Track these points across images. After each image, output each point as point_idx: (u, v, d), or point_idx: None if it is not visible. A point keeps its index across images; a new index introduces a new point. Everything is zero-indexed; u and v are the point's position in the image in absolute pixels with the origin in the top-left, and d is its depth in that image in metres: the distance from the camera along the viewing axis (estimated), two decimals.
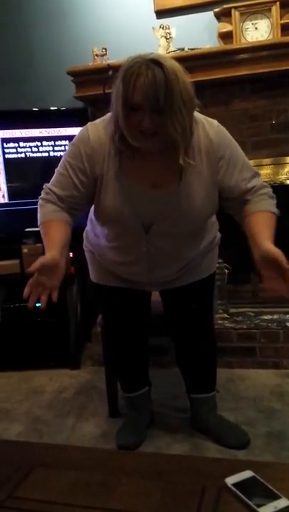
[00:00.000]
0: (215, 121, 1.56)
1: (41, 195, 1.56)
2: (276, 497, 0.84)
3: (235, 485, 0.88)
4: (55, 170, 1.58)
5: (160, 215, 1.53)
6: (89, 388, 2.43)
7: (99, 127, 1.52)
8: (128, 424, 1.99)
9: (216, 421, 1.93)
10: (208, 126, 1.51)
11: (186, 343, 1.92)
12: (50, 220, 1.50)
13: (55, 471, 0.96)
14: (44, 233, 1.50)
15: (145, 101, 1.30)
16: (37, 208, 1.55)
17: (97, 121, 1.56)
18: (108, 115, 1.51)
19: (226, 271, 2.67)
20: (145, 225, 1.55)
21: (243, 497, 0.85)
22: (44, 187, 1.57)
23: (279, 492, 0.85)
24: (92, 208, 1.63)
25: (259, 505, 0.82)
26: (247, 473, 0.90)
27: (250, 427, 1.94)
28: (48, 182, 1.58)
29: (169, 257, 1.65)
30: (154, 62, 1.30)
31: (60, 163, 1.58)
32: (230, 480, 0.89)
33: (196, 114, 1.48)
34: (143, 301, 1.84)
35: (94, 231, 1.72)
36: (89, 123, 1.57)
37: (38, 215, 1.55)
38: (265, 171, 2.72)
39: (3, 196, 2.83)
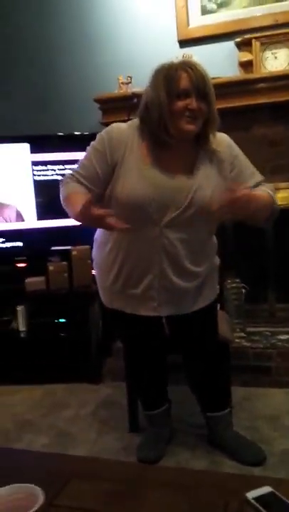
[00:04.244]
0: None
1: (65, 176, 1.75)
2: None
3: (255, 499, 0.96)
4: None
5: (174, 202, 1.66)
6: (110, 403, 2.52)
7: (122, 124, 1.77)
8: (149, 439, 2.07)
9: (233, 438, 2.00)
10: (221, 135, 1.77)
11: (194, 366, 2.00)
12: (75, 193, 1.68)
13: (90, 481, 1.05)
14: (69, 201, 1.66)
15: (194, 87, 1.58)
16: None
17: (119, 123, 1.78)
18: (131, 121, 1.76)
19: (243, 290, 2.76)
20: (160, 213, 1.66)
21: (264, 510, 0.93)
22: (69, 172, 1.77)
23: None
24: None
25: None
26: (266, 489, 0.99)
27: (266, 445, 2.01)
28: None
29: (180, 260, 1.71)
30: (190, 60, 1.61)
31: (84, 155, 1.77)
32: (251, 494, 0.97)
33: None
34: (156, 324, 1.82)
35: (103, 245, 1.80)
36: (112, 124, 1.78)
37: (62, 191, 1.72)
38: (283, 195, 2.80)
39: (32, 216, 2.96)
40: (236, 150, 1.80)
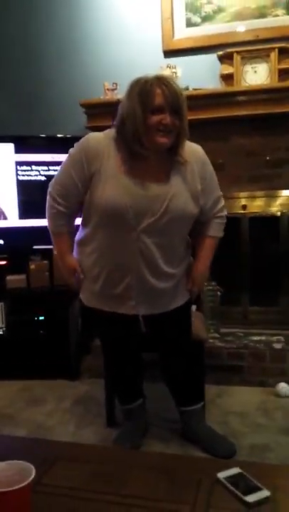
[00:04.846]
0: (200, 147, 1.92)
1: (49, 202, 1.89)
2: (259, 489, 1.03)
3: (225, 478, 1.07)
4: (58, 170, 1.89)
5: (150, 210, 1.75)
6: (87, 398, 2.60)
7: (98, 134, 1.85)
8: (125, 432, 2.16)
9: (206, 432, 2.11)
10: (196, 148, 1.89)
11: (169, 363, 2.10)
12: (63, 234, 1.93)
13: (75, 463, 1.14)
14: (59, 244, 1.96)
15: (167, 103, 1.67)
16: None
17: (96, 133, 1.87)
18: (107, 130, 1.84)
19: (219, 293, 2.87)
20: (137, 220, 1.75)
21: (232, 488, 1.04)
22: (49, 189, 1.89)
23: (261, 485, 1.04)
24: (81, 220, 1.91)
25: (245, 495, 1.01)
26: (235, 470, 1.10)
27: (236, 439, 2.12)
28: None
29: (156, 262, 1.81)
30: (164, 77, 1.72)
31: (61, 167, 1.88)
32: (222, 474, 1.08)
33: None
34: (133, 321, 1.90)
35: (84, 247, 1.90)
36: (88, 134, 1.89)
37: (49, 221, 1.92)
38: (258, 203, 2.96)
39: (14, 215, 3.02)
40: (208, 168, 1.91)
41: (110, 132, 1.81)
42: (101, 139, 1.80)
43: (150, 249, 1.78)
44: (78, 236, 1.94)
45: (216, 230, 1.98)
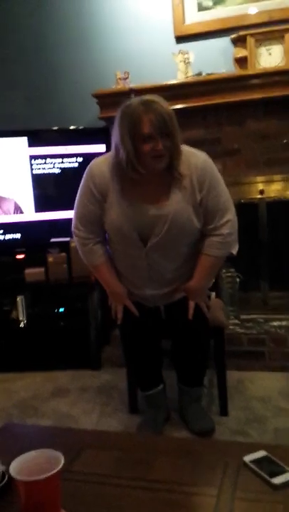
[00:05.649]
0: (203, 154, 1.89)
1: (78, 241, 1.99)
2: (285, 471, 1.04)
3: (251, 461, 1.07)
4: (74, 206, 1.95)
5: (155, 229, 1.83)
6: (109, 388, 2.62)
7: (100, 164, 1.89)
8: (147, 419, 2.18)
9: (192, 410, 2.15)
10: (195, 158, 1.85)
11: (182, 343, 2.10)
12: (100, 265, 2.00)
13: (101, 451, 1.15)
14: (100, 275, 2.02)
15: (156, 129, 1.69)
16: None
17: (99, 159, 1.92)
18: (109, 154, 1.88)
19: (238, 279, 2.86)
20: (144, 239, 1.86)
21: (259, 470, 1.04)
22: (72, 229, 1.99)
23: (287, 467, 1.05)
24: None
25: (271, 477, 1.02)
26: (261, 453, 1.10)
27: (260, 424, 2.13)
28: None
29: (165, 273, 1.93)
30: (150, 102, 1.71)
31: (76, 202, 1.95)
32: (248, 458, 1.08)
33: (187, 148, 1.86)
34: (153, 312, 2.04)
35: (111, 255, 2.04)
36: (92, 162, 1.93)
37: (85, 257, 2.02)
38: (275, 187, 2.92)
39: (31, 208, 3.04)
40: (208, 176, 1.84)
41: (111, 157, 1.85)
42: (103, 165, 1.87)
43: (158, 262, 1.90)
44: None
45: (212, 248, 1.90)
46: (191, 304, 1.96)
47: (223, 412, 2.25)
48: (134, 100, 1.73)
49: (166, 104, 1.73)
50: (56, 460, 0.95)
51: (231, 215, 1.90)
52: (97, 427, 2.23)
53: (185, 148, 1.84)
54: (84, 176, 1.92)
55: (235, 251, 1.96)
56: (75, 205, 1.96)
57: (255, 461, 1.07)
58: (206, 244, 1.92)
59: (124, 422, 2.26)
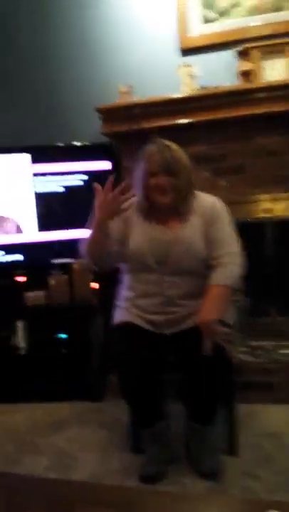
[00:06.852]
0: (215, 198, 2.09)
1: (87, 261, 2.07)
2: None
3: None
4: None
5: (169, 252, 1.99)
6: (112, 422, 2.49)
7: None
8: (148, 459, 2.04)
9: (199, 449, 2.02)
10: (206, 201, 2.08)
11: (195, 377, 1.95)
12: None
13: (94, 507, 1.05)
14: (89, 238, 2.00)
15: (160, 167, 1.98)
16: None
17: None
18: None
19: (245, 304, 2.73)
20: (159, 263, 1.99)
21: None
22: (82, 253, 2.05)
23: None
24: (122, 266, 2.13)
25: None
26: None
27: (271, 464, 1.99)
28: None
29: (177, 298, 1.99)
30: (163, 145, 2.01)
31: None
32: None
33: (202, 193, 2.10)
34: (158, 339, 2.01)
35: (124, 287, 2.13)
36: None
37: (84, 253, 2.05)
38: (283, 206, 2.78)
39: (33, 228, 2.93)
40: (217, 216, 2.03)
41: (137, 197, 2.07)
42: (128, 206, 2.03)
43: (171, 287, 1.99)
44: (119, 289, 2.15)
45: (217, 278, 1.94)
46: (206, 342, 1.83)
47: (232, 450, 2.10)
48: (154, 143, 2.03)
49: (178, 149, 2.02)
50: None
51: (233, 248, 2.00)
52: (96, 467, 2.10)
53: (199, 192, 2.08)
54: None
55: (236, 284, 1.98)
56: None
57: None
58: (209, 276, 1.96)
59: (125, 461, 2.12)
